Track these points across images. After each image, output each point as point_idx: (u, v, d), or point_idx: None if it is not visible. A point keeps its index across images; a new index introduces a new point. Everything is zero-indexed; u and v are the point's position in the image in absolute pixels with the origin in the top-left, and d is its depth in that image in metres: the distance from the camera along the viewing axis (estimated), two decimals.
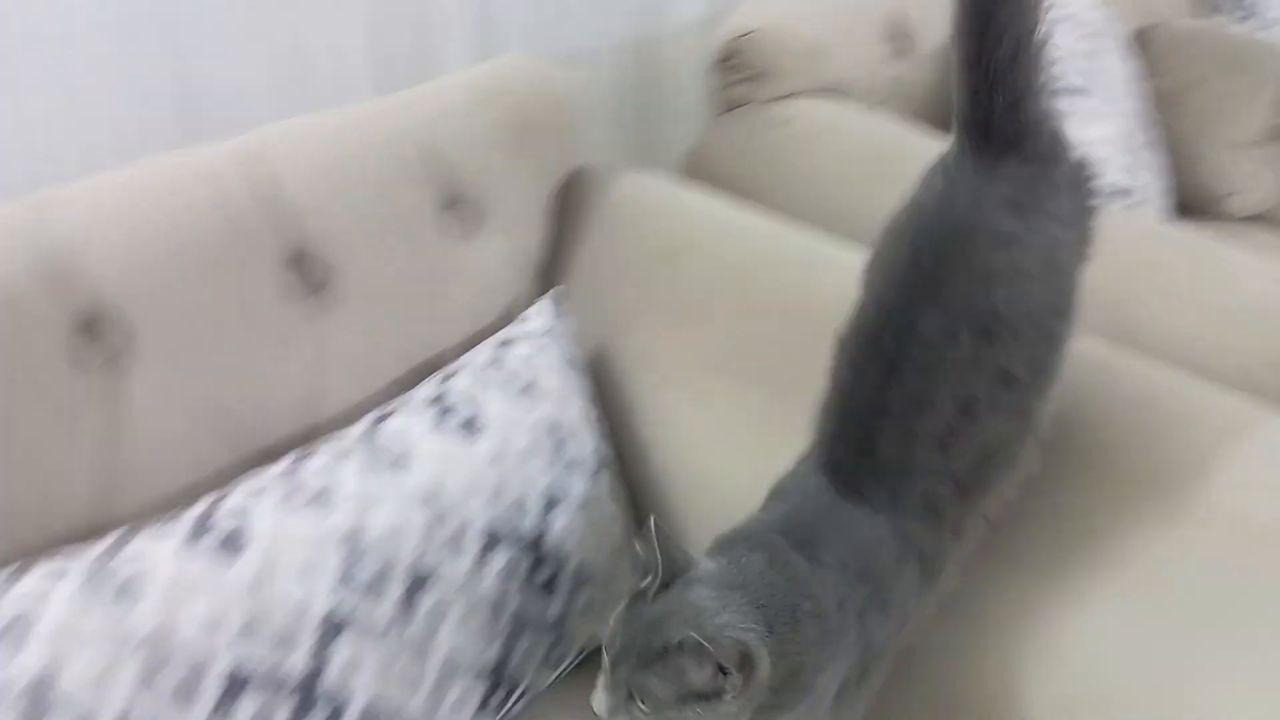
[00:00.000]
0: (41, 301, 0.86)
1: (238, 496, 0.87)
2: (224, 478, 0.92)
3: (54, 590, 0.75)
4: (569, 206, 1.28)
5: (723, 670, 0.70)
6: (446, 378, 1.02)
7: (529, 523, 0.97)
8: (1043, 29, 0.83)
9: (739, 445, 1.08)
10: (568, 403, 1.05)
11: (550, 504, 0.98)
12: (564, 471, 1.01)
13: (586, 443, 1.05)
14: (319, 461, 0.91)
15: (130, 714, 0.74)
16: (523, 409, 1.00)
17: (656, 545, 0.75)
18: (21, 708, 0.71)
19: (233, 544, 0.82)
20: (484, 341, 1.08)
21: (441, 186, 1.12)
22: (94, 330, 0.89)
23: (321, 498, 0.87)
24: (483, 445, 0.96)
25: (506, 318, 1.13)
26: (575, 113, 1.30)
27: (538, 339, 1.07)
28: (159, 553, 0.80)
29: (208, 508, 0.86)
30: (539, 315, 1.11)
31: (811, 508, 0.82)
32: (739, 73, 1.58)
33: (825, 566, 0.78)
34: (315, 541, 0.84)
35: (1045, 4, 0.83)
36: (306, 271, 1.01)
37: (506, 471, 0.96)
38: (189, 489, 0.91)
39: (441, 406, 0.98)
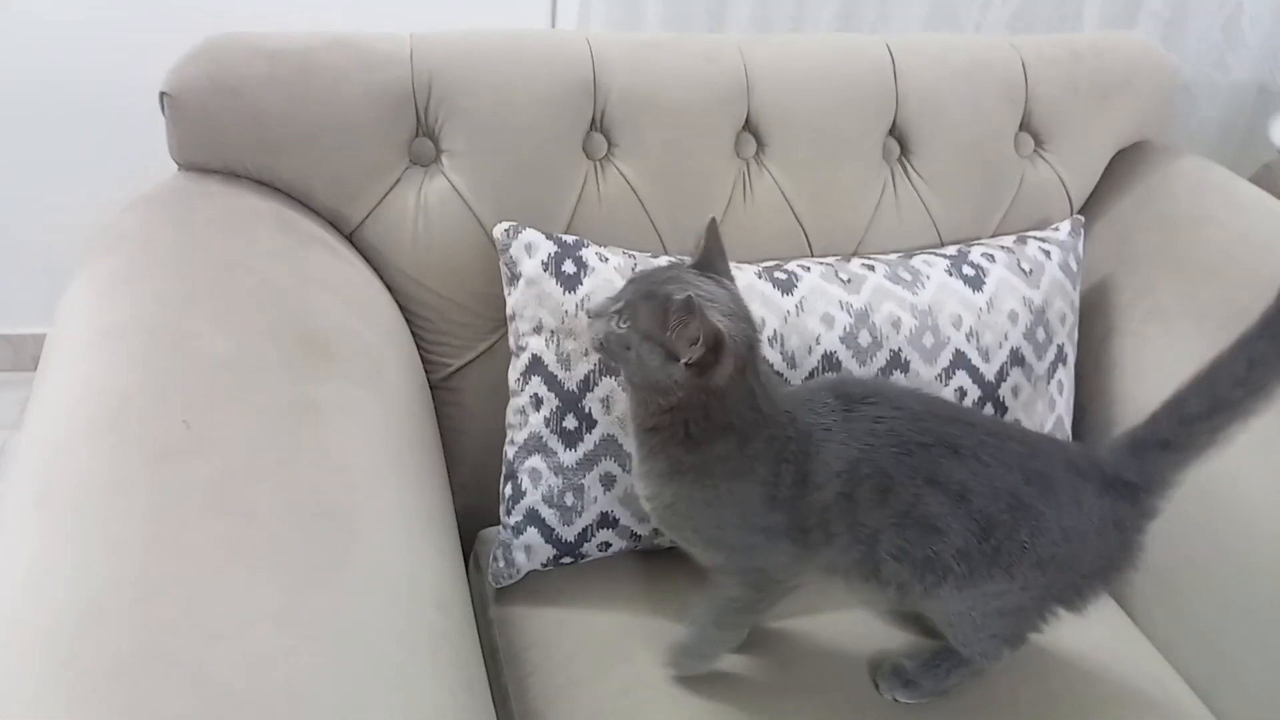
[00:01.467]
0: (718, 113, 1.29)
1: (792, 265, 1.23)
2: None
3: None
4: (1125, 164, 1.47)
5: (692, 345, 0.86)
6: (971, 244, 1.30)
7: (991, 369, 1.22)
8: (1224, 427, 0.94)
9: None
10: (1055, 299, 1.27)
11: (1012, 362, 1.23)
12: (1031, 346, 1.24)
13: (1057, 334, 1.27)
14: (855, 265, 1.24)
15: None
16: (1019, 284, 1.25)
17: (705, 238, 0.96)
18: None
19: (787, 286, 1.18)
20: (1011, 234, 1.34)
21: (1024, 112, 1.39)
22: (750, 131, 1.30)
23: (850, 283, 1.20)
24: (978, 295, 1.22)
25: (1034, 229, 1.38)
26: (1167, 97, 1.48)
27: (1052, 244, 1.31)
28: (741, 273, 1.18)
29: (772, 265, 1.23)
30: (1060, 230, 1.34)
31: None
32: None
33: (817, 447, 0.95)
34: (837, 304, 1.17)
35: (1244, 415, 0.94)
36: (903, 141, 1.35)
37: (988, 321, 1.22)
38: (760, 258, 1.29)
39: (958, 260, 1.26)
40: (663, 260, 1.18)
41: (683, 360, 0.88)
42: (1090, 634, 1.13)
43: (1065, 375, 1.29)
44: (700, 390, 0.90)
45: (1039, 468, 0.96)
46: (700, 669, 1.04)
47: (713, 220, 0.97)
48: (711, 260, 0.97)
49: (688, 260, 0.99)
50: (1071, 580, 1.00)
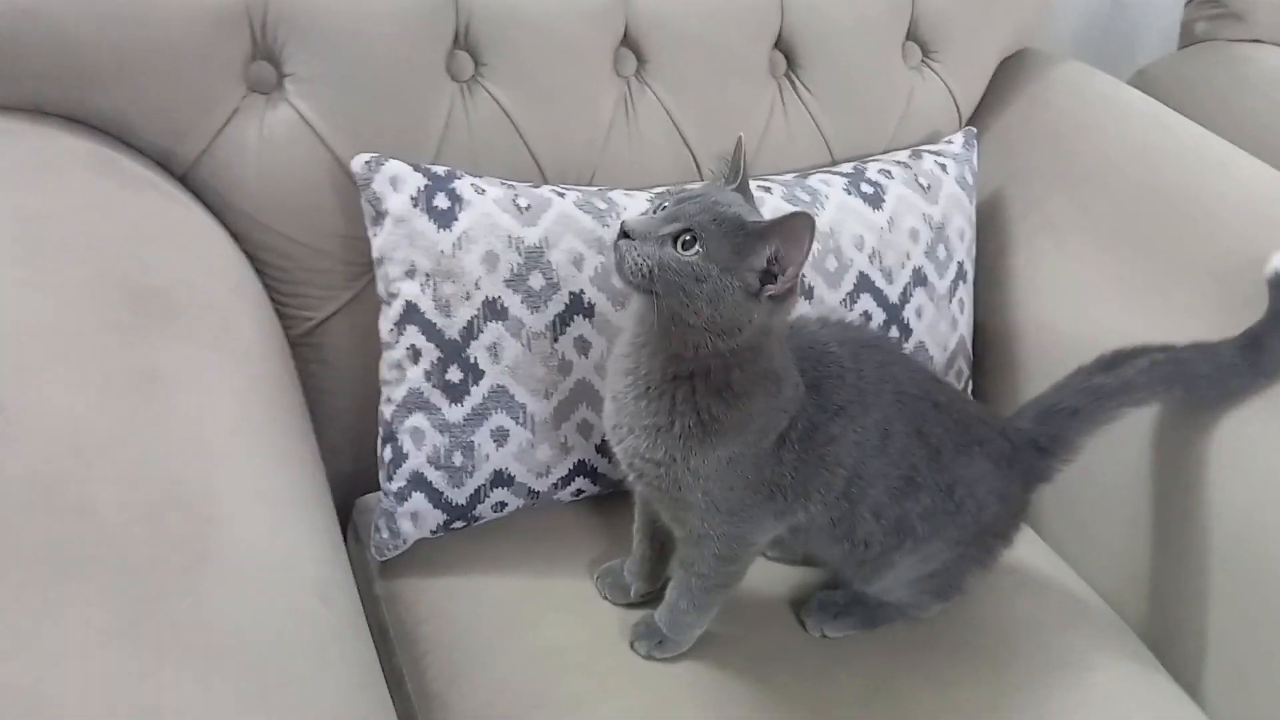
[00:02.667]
0: (592, 28, 1.18)
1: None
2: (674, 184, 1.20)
3: (565, 196, 1.06)
4: (1009, 74, 1.43)
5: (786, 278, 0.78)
6: (866, 160, 1.24)
7: (894, 291, 1.16)
8: (1130, 402, 1.02)
9: (1087, 300, 1.22)
10: (953, 215, 1.22)
11: (915, 283, 1.18)
12: (933, 265, 1.19)
13: (957, 252, 1.22)
14: (750, 186, 1.15)
15: (585, 294, 1.03)
16: (918, 200, 1.19)
17: (736, 157, 0.86)
18: (522, 259, 1.02)
19: None
20: (904, 149, 1.28)
21: (910, 21, 1.33)
22: (630, 47, 1.20)
23: None
24: (878, 214, 1.16)
25: (926, 142, 1.33)
26: (1046, 4, 1.44)
27: (947, 158, 1.26)
28: (631, 200, 1.09)
29: (666, 189, 1.13)
30: (954, 143, 1.29)
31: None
32: (1213, 8, 1.62)
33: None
34: None
35: (1153, 395, 1.04)
36: (789, 54, 1.27)
37: (890, 241, 1.16)
38: (648, 184, 1.20)
39: (855, 177, 1.19)
40: (585, 188, 1.10)
41: (769, 294, 0.78)
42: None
43: (965, 293, 1.25)
44: (760, 331, 0.81)
45: (986, 431, 0.98)
46: (677, 652, 0.98)
47: (740, 139, 0.87)
48: (745, 181, 0.87)
49: (720, 181, 0.88)
50: (991, 539, 1.02)
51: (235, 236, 1.07)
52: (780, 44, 1.27)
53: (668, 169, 1.22)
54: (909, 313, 1.17)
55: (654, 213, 0.81)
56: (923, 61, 1.36)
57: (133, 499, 0.69)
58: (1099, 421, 1.01)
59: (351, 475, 1.13)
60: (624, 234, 0.78)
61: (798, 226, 0.76)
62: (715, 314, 0.77)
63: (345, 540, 1.13)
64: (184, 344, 0.85)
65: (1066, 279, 1.25)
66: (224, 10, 1.02)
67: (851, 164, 1.24)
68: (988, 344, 1.30)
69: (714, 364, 0.82)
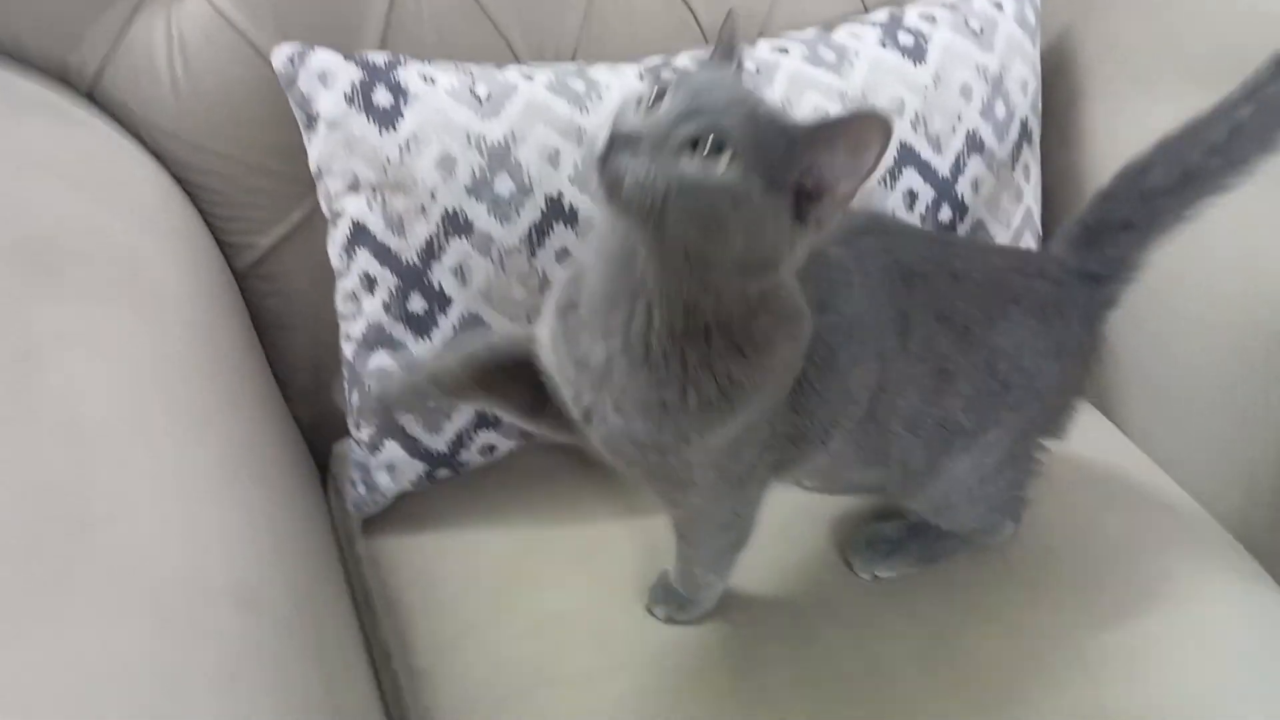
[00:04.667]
0: None
1: (684, 59, 0.95)
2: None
3: (534, 79, 0.88)
4: None
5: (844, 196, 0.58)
6: (903, 4, 1.02)
7: (945, 162, 0.97)
8: (1192, 201, 0.81)
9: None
10: (1013, 62, 1.01)
11: (970, 149, 0.98)
12: (991, 126, 0.99)
13: (1019, 107, 1.02)
14: (764, 47, 0.96)
15: (565, 196, 0.86)
16: (970, 49, 0.98)
17: (727, 36, 0.65)
18: (485, 161, 0.85)
19: None
20: None
21: None
22: None
23: (760, 73, 0.93)
24: (920, 70, 0.96)
25: None
26: None
27: None
28: (617, 76, 0.90)
29: (660, 61, 0.94)
30: None
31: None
32: None
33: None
34: None
35: (1218, 189, 0.80)
36: None
37: (936, 101, 0.96)
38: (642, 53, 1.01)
39: (891, 26, 0.98)
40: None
41: (818, 219, 0.58)
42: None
43: (1031, 157, 1.05)
44: (795, 265, 0.62)
45: (1019, 282, 0.80)
46: (700, 613, 0.85)
47: (732, 12, 0.66)
48: (740, 69, 0.67)
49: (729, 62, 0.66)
50: (1057, 404, 0.85)
51: (158, 158, 0.92)
52: None
53: (666, 34, 1.02)
54: (963, 186, 0.98)
55: (652, 102, 0.58)
56: None
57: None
58: (1163, 228, 0.82)
59: (331, 417, 0.99)
60: (619, 141, 0.55)
61: (866, 131, 0.55)
62: (752, 248, 0.57)
63: (326, 494, 1.00)
64: (72, 304, 0.70)
65: (1157, 130, 1.04)
66: None
67: (886, 9, 1.02)
68: (1060, 217, 1.10)
69: (736, 311, 0.62)
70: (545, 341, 0.70)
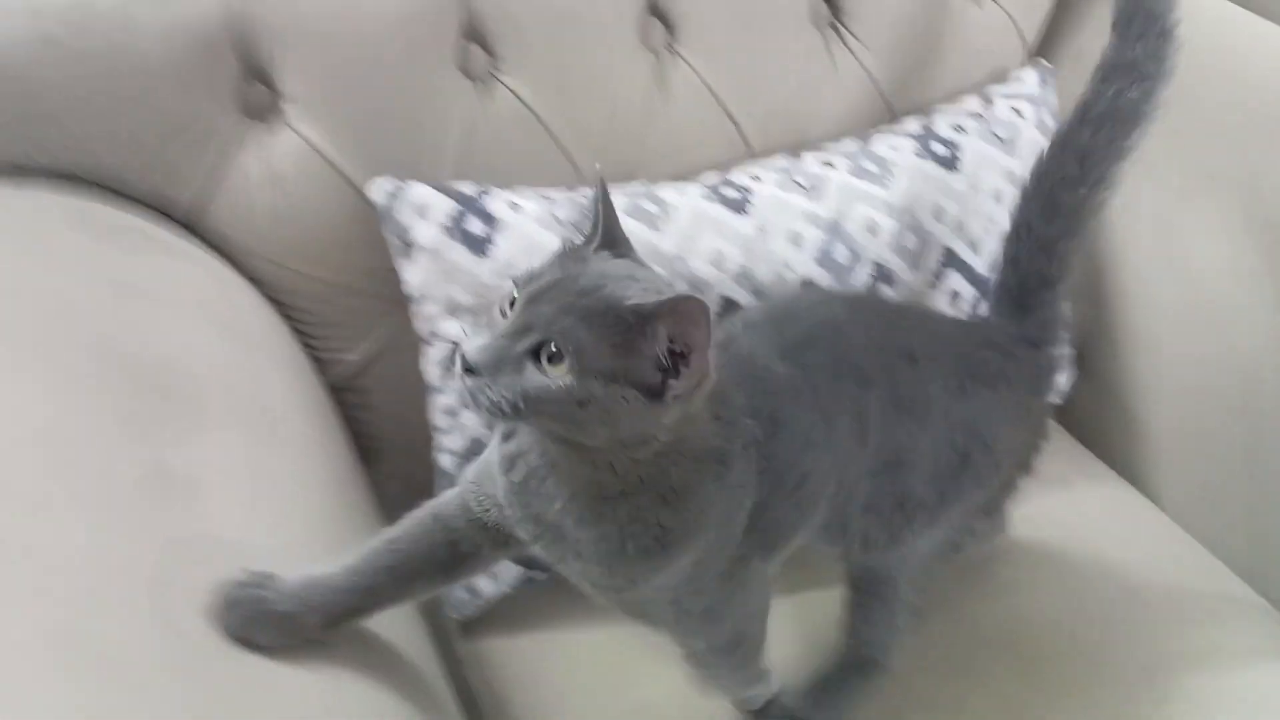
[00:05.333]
0: None
1: (741, 175, 1.02)
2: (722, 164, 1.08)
3: None
4: None
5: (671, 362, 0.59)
6: (932, 114, 1.11)
7: (982, 262, 1.05)
8: (1086, 235, 0.87)
9: (1192, 243, 1.10)
10: None
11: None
12: (1099, 207, 1.07)
13: None
14: (811, 161, 1.04)
15: None
16: (997, 155, 1.07)
17: (599, 200, 0.65)
18: None
19: (739, 204, 0.97)
20: (972, 93, 1.14)
21: None
22: (655, 15, 1.07)
23: (813, 188, 1.00)
24: (956, 178, 1.04)
25: (991, 81, 1.19)
26: None
27: (1022, 100, 1.13)
28: (684, 196, 0.97)
29: (719, 179, 1.01)
30: (1026, 81, 1.15)
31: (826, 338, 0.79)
32: None
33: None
34: (802, 218, 0.98)
35: (1097, 210, 0.87)
36: (831, 0, 1.13)
37: (973, 206, 1.04)
38: (693, 167, 1.08)
39: (925, 137, 1.07)
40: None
41: (674, 394, 0.59)
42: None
43: None
44: (684, 421, 0.63)
45: (972, 353, 0.86)
46: (769, 694, 0.87)
47: (600, 178, 0.66)
48: (612, 230, 0.66)
49: (578, 240, 0.67)
50: (1015, 469, 0.92)
51: (255, 282, 0.97)
52: None
53: (711, 147, 1.10)
54: None
55: (509, 306, 0.61)
56: None
57: (169, 649, 0.59)
58: (1071, 268, 0.88)
59: None
60: (466, 369, 0.59)
61: (686, 312, 0.57)
62: (615, 430, 0.60)
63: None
64: (202, 430, 0.75)
65: (1167, 222, 1.13)
66: (200, 29, 0.90)
67: (918, 120, 1.11)
68: (1084, 301, 1.18)
69: (644, 473, 0.64)
70: (501, 498, 0.71)
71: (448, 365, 0.65)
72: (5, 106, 0.87)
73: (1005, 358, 0.86)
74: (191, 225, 0.95)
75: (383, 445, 1.04)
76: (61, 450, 0.66)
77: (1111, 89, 0.84)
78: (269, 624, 0.64)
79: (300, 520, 0.76)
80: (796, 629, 0.95)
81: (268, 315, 0.96)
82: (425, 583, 0.73)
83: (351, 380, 1.02)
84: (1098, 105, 0.84)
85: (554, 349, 0.57)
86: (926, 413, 0.80)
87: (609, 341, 0.58)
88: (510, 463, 0.68)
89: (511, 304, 0.61)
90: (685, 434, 0.64)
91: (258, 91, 0.94)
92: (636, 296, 0.59)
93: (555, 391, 0.57)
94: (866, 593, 0.88)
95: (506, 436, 0.69)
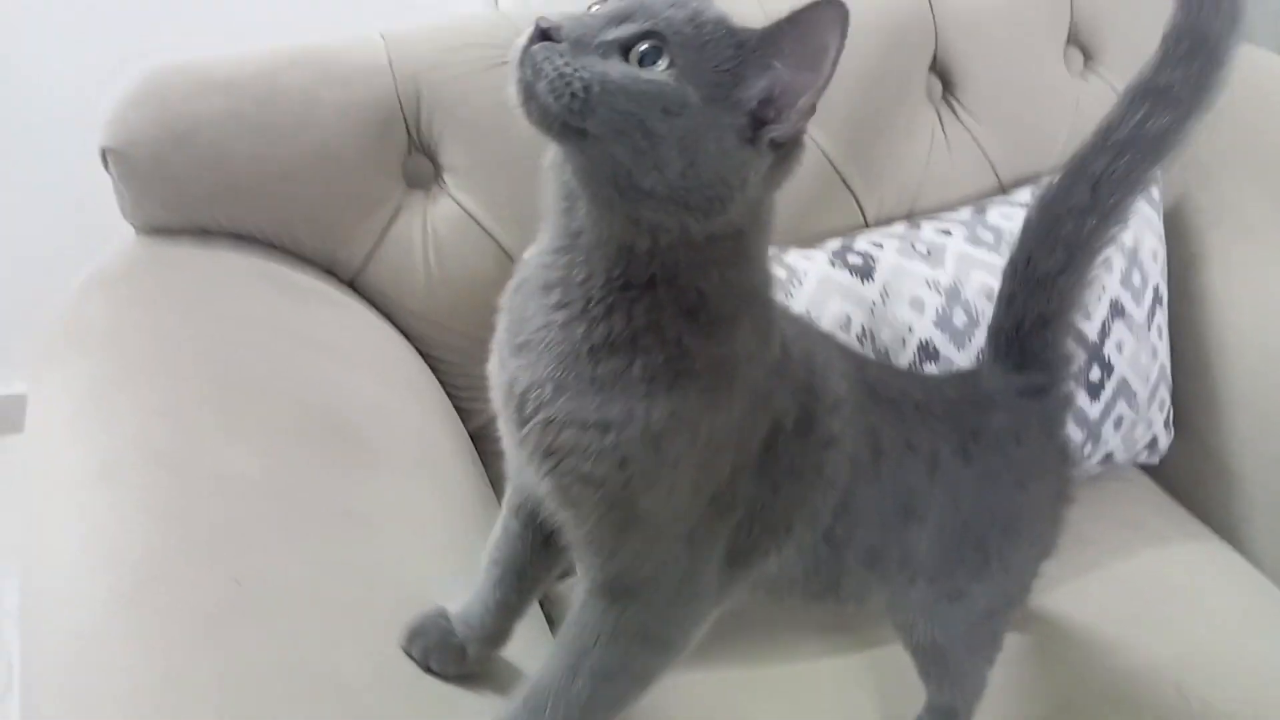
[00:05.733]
0: None
1: (863, 242, 1.08)
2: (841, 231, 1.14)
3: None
4: None
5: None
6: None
7: (1093, 327, 1.09)
8: (1089, 270, 0.79)
9: None
10: (1144, 235, 1.14)
11: (1113, 315, 1.10)
12: (1129, 292, 1.11)
13: (1152, 275, 1.14)
14: (930, 229, 1.09)
15: None
16: None
17: None
18: None
19: (865, 271, 1.03)
20: None
21: (1069, 24, 1.24)
22: None
23: (931, 255, 1.06)
24: None
25: None
26: None
27: None
28: (811, 262, 1.03)
29: (840, 245, 1.07)
30: None
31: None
32: None
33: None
34: (924, 284, 1.03)
35: (1105, 245, 0.79)
36: (945, 76, 1.20)
37: None
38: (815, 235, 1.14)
39: None
40: None
41: (773, 136, 0.51)
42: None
43: (1163, 318, 1.17)
44: (754, 207, 0.53)
45: (974, 416, 0.79)
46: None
47: None
48: None
49: None
50: (1038, 528, 0.84)
51: (406, 335, 1.05)
52: (935, 66, 1.20)
53: (829, 213, 1.17)
54: (1109, 348, 1.10)
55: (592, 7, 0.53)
56: (1086, 67, 1.27)
57: (382, 669, 0.66)
58: (1075, 305, 0.81)
59: None
60: (541, 34, 0.50)
61: (821, 23, 0.48)
62: (691, 170, 0.50)
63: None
64: (385, 477, 0.83)
65: (1265, 281, 1.16)
66: (379, 111, 0.99)
67: (1029, 192, 1.16)
68: (1185, 368, 1.21)
69: (684, 260, 0.53)
70: (492, 365, 0.64)
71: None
72: (198, 176, 0.96)
73: (1013, 415, 0.79)
74: (353, 282, 1.04)
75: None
76: (278, 497, 0.74)
77: (1138, 114, 0.74)
78: (446, 653, 0.69)
79: (457, 553, 0.83)
80: (875, 681, 0.98)
81: (420, 366, 1.03)
82: (543, 569, 0.71)
83: (487, 429, 1.09)
84: (1120, 130, 0.75)
85: (653, 46, 0.49)
86: (935, 465, 0.73)
87: (717, 62, 0.50)
88: (515, 280, 0.61)
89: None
90: (742, 243, 0.55)
91: (421, 163, 1.03)
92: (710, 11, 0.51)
93: (645, 84, 0.48)
94: (922, 657, 0.84)
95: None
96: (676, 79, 0.49)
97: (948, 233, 1.08)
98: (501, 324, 0.63)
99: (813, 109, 0.52)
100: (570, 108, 0.48)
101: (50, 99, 1.45)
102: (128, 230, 0.99)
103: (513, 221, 1.03)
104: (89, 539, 0.71)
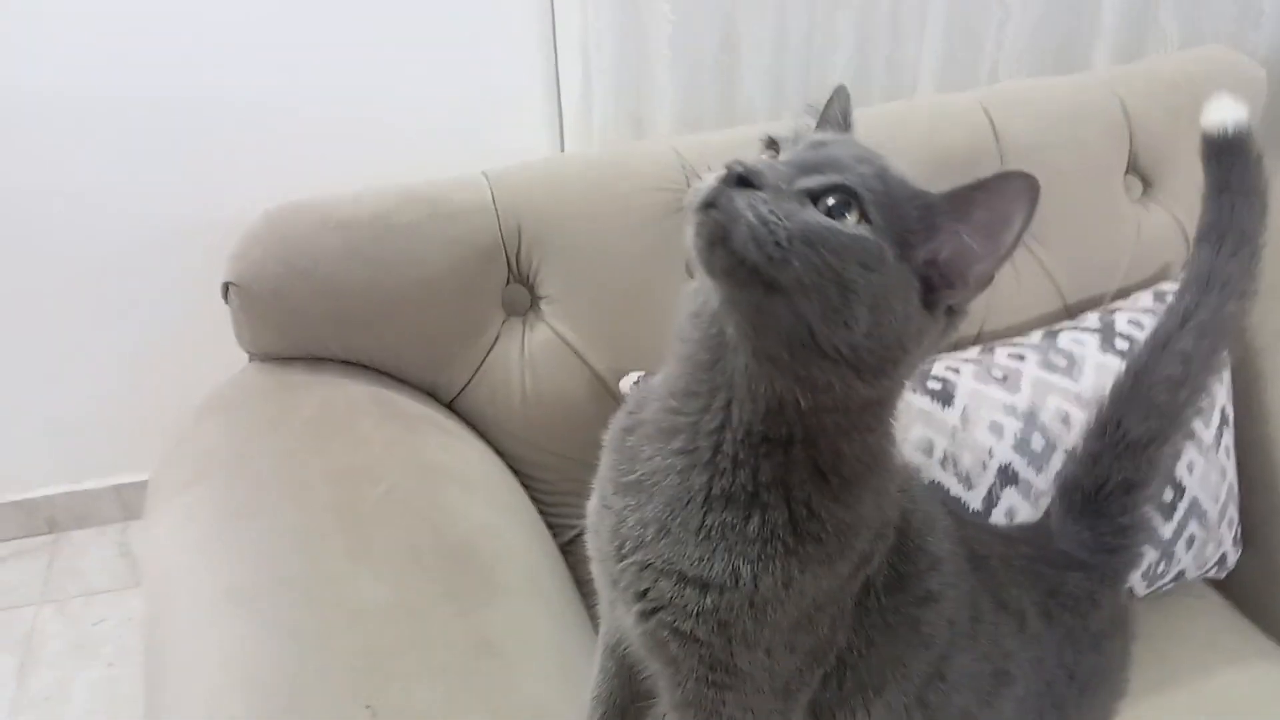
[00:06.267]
0: None
1: (939, 368, 1.12)
2: None
3: None
4: None
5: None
6: (1111, 311, 1.20)
7: None
8: (1179, 440, 0.81)
9: None
10: None
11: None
12: (1196, 413, 1.14)
13: (1219, 395, 1.17)
14: (1003, 354, 1.14)
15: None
16: None
17: (842, 106, 0.62)
18: None
19: (944, 397, 1.07)
20: (1146, 290, 1.24)
21: (1129, 154, 1.29)
22: None
23: (1008, 380, 1.10)
24: None
25: (1158, 278, 1.29)
26: (1256, 105, 1.39)
27: None
28: None
29: (919, 371, 1.12)
30: None
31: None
32: None
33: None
34: (1001, 409, 1.07)
35: (1194, 417, 0.82)
36: None
37: None
38: None
39: (1106, 332, 1.16)
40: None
41: (951, 303, 0.53)
42: None
43: (1229, 437, 1.20)
44: (909, 372, 0.54)
45: (1051, 575, 0.79)
46: None
47: (840, 86, 0.63)
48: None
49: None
50: (1105, 690, 0.83)
51: (500, 454, 1.09)
52: None
53: None
54: (1181, 471, 1.12)
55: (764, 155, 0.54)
56: (1145, 194, 1.32)
57: None
58: (1160, 473, 0.81)
59: None
60: (739, 179, 0.48)
61: (1011, 195, 0.49)
62: (876, 329, 0.49)
63: None
64: (506, 602, 0.87)
65: None
66: (482, 245, 1.06)
67: (1096, 316, 1.20)
68: (1252, 484, 1.24)
69: (832, 420, 0.53)
70: (591, 504, 0.65)
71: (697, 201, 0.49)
72: (313, 306, 1.03)
73: (1089, 577, 0.79)
74: (452, 404, 1.09)
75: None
76: (405, 624, 0.78)
77: (1213, 299, 0.79)
78: None
79: (573, 674, 0.86)
80: None
81: (517, 486, 1.08)
82: (642, 710, 0.72)
83: (573, 545, 1.13)
84: (1200, 313, 0.79)
85: (843, 199, 0.49)
86: (1023, 624, 0.73)
87: (901, 218, 0.50)
88: (627, 416, 0.62)
89: (768, 147, 0.53)
90: (885, 406, 0.56)
91: (520, 293, 1.09)
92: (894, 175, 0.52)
93: (848, 237, 0.48)
94: None
95: None
96: (875, 232, 0.48)
97: (1021, 357, 1.12)
98: (607, 461, 0.63)
99: (990, 279, 0.53)
100: (770, 255, 0.46)
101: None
102: (234, 346, 1.05)
103: (605, 347, 1.09)
104: (225, 660, 0.76)
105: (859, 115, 0.66)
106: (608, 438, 0.64)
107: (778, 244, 0.46)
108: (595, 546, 0.63)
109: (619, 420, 0.64)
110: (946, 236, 0.50)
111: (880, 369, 0.50)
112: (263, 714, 0.71)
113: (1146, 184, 1.33)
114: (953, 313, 0.54)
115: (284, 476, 0.92)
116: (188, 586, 0.84)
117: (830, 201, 0.48)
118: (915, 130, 1.23)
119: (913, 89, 1.61)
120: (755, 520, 0.54)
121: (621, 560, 0.58)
